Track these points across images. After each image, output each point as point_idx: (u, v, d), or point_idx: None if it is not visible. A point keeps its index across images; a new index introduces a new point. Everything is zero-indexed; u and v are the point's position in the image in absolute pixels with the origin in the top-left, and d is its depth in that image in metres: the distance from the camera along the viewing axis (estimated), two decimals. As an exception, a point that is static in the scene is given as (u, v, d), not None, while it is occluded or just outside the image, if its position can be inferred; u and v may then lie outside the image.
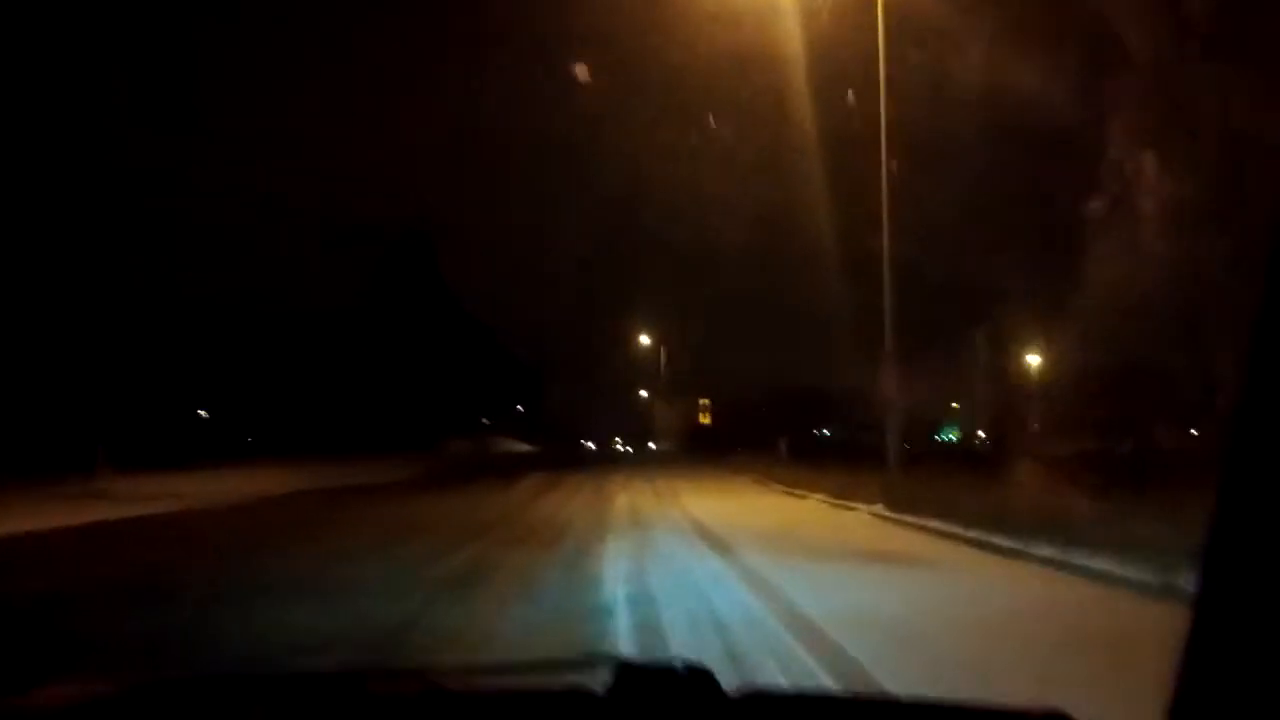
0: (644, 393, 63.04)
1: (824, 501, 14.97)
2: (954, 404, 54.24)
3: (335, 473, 22.94)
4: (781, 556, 7.90)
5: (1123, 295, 12.09)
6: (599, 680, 0.97)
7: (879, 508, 12.30)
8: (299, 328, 40.99)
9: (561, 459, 35.88)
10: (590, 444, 78.48)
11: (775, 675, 3.79)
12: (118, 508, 13.80)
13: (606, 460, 41.74)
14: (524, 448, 57.39)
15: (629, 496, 17.15)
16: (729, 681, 0.97)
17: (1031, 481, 12.29)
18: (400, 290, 52.11)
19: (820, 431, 57.00)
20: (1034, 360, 36.76)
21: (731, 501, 16.35)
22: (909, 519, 10.77)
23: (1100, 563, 6.31)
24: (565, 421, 74.85)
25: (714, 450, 40.82)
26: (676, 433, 58.43)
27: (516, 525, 11.50)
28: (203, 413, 41.67)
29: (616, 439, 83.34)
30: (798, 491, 17.14)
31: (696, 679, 0.94)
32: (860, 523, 11.77)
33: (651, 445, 69.40)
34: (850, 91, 15.56)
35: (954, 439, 55.65)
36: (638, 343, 53.28)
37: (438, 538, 9.48)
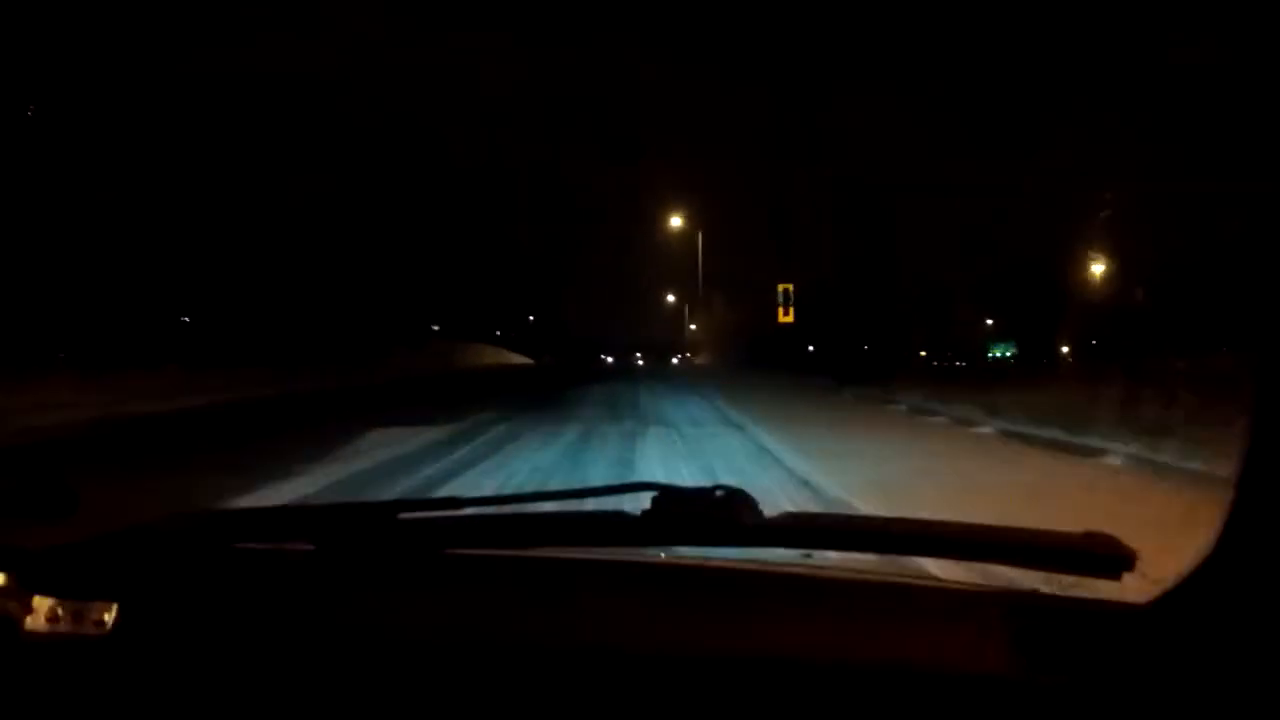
0: (672, 297, 55.26)
1: None
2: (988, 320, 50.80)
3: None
4: None
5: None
6: (638, 505, 0.98)
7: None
8: (295, 225, 36.03)
9: (550, 379, 25.74)
10: (609, 358, 72.91)
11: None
12: None
13: (620, 381, 25.64)
14: (516, 359, 47.92)
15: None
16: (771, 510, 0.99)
17: None
18: (397, 184, 45.17)
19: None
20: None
21: None
22: None
23: None
24: (582, 333, 69.72)
25: (802, 369, 27.16)
26: (719, 342, 46.05)
27: None
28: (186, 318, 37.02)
29: (637, 353, 77.05)
30: None
31: (733, 501, 0.95)
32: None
33: (675, 360, 62.44)
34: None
35: (1008, 355, 52.03)
36: (668, 228, 38.66)
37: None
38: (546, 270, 67.03)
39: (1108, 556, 0.84)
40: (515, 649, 0.84)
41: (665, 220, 38.01)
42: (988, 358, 51.61)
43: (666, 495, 0.97)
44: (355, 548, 1.02)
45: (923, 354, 51.70)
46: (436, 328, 53.88)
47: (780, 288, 27.42)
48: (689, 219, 37.89)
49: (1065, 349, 46.41)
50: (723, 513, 0.95)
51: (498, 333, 65.55)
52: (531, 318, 71.83)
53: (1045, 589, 0.88)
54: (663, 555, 1.02)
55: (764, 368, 29.14)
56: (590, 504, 1.06)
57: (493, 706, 0.81)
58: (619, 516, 0.98)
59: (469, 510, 1.09)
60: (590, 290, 69.12)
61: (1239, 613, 0.76)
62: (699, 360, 50.34)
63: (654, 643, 0.84)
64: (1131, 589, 0.85)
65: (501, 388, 21.83)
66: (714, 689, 0.80)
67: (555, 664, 0.82)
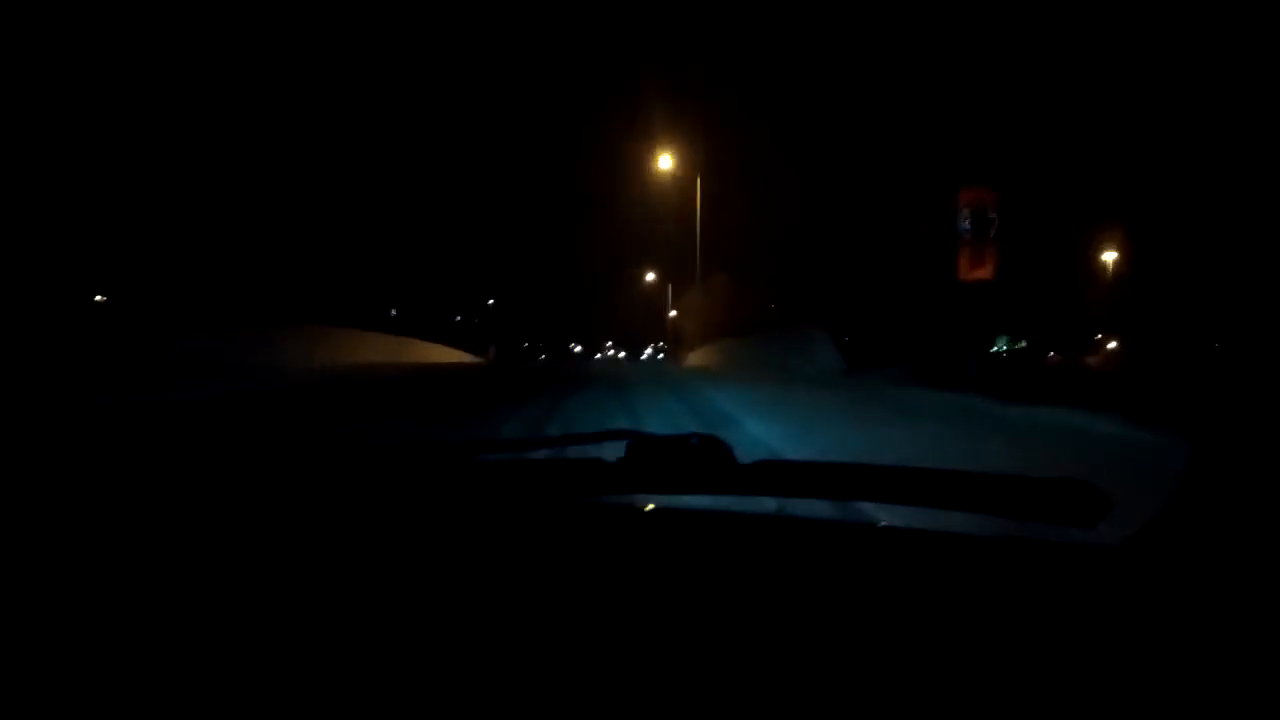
0: (651, 275, 49.88)
1: None
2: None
3: None
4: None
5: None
6: (614, 454, 1.02)
7: None
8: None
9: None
10: (578, 347, 72.62)
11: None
12: None
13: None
14: (441, 355, 31.30)
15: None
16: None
17: None
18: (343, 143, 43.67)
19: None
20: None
21: None
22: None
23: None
24: (551, 317, 68.91)
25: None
26: (718, 329, 28.92)
27: None
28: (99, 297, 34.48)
29: (608, 343, 76.60)
30: None
31: (708, 449, 1.01)
32: None
33: (649, 350, 60.51)
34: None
35: (1004, 350, 48.93)
36: (655, 169, 27.82)
37: None
38: (511, 245, 65.82)
39: (1081, 502, 0.88)
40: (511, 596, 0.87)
41: (653, 162, 28.01)
42: (990, 353, 47.28)
43: (641, 443, 1.02)
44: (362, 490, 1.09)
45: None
46: (394, 312, 53.06)
47: (965, 200, 11.75)
48: (685, 161, 27.79)
49: (1112, 342, 43.89)
50: (697, 460, 1.00)
51: (457, 318, 64.82)
52: (491, 301, 70.49)
53: (1017, 532, 0.92)
54: (649, 504, 1.06)
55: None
56: (566, 452, 1.10)
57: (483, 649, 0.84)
58: (595, 465, 1.03)
59: (436, 457, 1.13)
60: (560, 267, 67.18)
61: (1209, 552, 0.82)
62: (697, 357, 30.38)
63: (638, 589, 0.87)
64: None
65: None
66: (698, 633, 0.83)
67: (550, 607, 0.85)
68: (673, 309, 43.75)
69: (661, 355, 47.52)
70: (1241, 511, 0.85)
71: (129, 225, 30.14)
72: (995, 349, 45.22)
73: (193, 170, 31.61)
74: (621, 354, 65.98)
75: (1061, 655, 0.80)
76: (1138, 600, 0.81)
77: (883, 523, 1.03)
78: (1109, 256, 33.58)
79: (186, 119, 30.03)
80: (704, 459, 0.99)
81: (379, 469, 1.08)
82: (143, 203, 29.97)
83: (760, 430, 6.11)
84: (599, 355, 66.79)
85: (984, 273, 12.05)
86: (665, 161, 27.66)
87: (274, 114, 33.75)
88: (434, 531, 0.98)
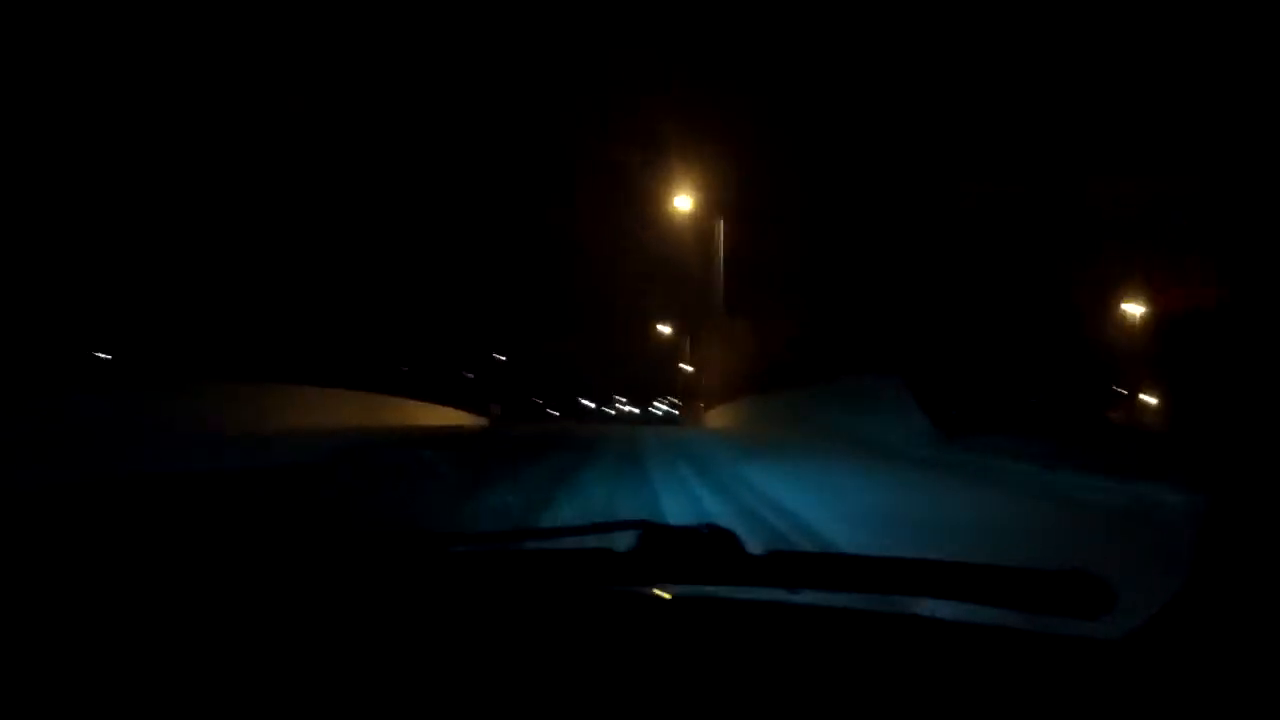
0: (664, 327, 44.42)
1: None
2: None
3: None
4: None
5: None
6: (625, 543, 1.03)
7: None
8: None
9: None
10: (589, 402, 72.64)
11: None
12: None
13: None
14: (447, 419, 28.05)
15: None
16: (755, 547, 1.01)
17: None
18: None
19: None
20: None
21: None
22: None
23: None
24: (561, 372, 69.01)
25: None
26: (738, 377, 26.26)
27: None
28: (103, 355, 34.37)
29: (618, 398, 76.65)
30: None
31: (718, 540, 1.02)
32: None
33: (661, 405, 59.81)
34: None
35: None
36: (671, 210, 26.38)
37: None
38: (520, 299, 65.72)
39: (1087, 596, 0.90)
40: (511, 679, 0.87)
41: (668, 202, 26.34)
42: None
43: (652, 533, 1.03)
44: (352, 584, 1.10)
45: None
46: (405, 369, 52.96)
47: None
48: (704, 201, 25.70)
49: (1152, 398, 41.65)
50: (709, 550, 1.01)
51: (469, 375, 64.88)
52: (503, 357, 70.39)
53: (1025, 625, 0.93)
54: (656, 591, 1.07)
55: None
56: (574, 541, 1.10)
57: None
58: (605, 555, 1.03)
59: (445, 549, 1.13)
60: (570, 320, 67.03)
61: (1209, 648, 0.83)
62: (717, 417, 26.91)
63: (646, 676, 0.88)
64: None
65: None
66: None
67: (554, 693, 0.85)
68: (687, 362, 41.42)
69: (676, 411, 45.34)
70: (1251, 604, 0.84)
71: (109, 275, 29.72)
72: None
73: (187, 214, 31.33)
74: (634, 409, 65.60)
75: None
76: (1127, 696, 0.81)
77: (890, 611, 1.04)
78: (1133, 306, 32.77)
79: (175, 155, 29.96)
80: (715, 550, 1.00)
81: (365, 567, 1.07)
82: (128, 250, 29.52)
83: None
84: (613, 411, 66.47)
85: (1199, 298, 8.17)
86: (683, 202, 25.88)
87: (275, 158, 33.68)
88: (438, 626, 0.98)
